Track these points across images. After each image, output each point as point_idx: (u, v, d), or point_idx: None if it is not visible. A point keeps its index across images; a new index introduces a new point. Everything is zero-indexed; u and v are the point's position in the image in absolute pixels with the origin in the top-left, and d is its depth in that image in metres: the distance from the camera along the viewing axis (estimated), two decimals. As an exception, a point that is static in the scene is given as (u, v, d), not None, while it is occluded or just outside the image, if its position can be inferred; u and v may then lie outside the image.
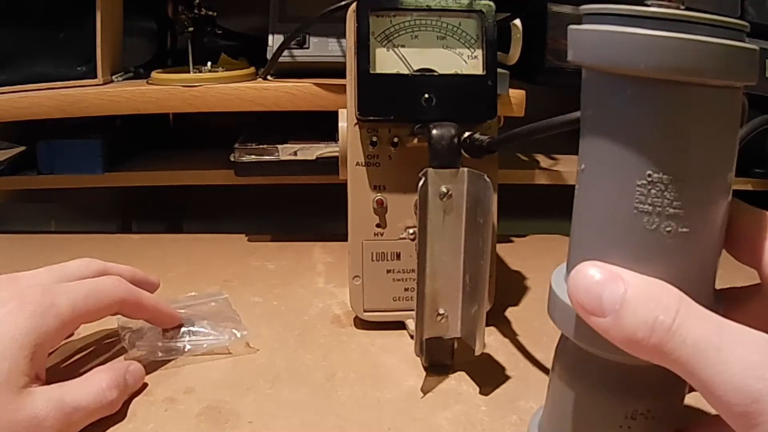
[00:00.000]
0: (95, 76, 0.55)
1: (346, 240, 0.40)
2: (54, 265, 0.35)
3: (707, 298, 0.23)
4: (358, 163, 0.39)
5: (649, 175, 0.21)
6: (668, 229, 0.21)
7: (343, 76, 0.39)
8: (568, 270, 0.24)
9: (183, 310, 0.40)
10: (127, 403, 0.33)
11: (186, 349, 0.38)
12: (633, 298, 0.21)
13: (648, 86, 0.20)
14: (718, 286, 0.24)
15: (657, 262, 0.22)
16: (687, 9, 0.20)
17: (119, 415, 0.32)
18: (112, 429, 0.31)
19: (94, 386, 0.31)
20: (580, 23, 0.22)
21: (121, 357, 0.37)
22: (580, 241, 0.24)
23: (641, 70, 0.20)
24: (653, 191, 0.21)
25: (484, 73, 0.39)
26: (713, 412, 0.20)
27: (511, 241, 0.59)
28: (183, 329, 0.39)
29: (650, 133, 0.21)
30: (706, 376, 0.19)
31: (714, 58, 0.19)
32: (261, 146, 0.56)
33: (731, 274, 0.25)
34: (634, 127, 0.21)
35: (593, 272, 0.22)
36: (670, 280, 0.21)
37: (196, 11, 0.57)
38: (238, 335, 0.39)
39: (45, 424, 0.28)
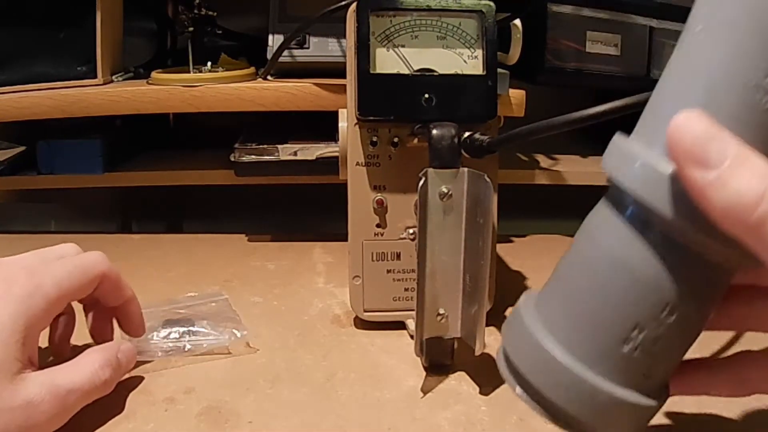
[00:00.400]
0: (95, 76, 0.55)
1: (346, 240, 0.40)
2: (40, 249, 0.35)
3: None
4: (358, 163, 0.39)
5: None
6: None
7: (343, 76, 0.39)
8: (642, 128, 0.22)
9: (183, 310, 0.40)
10: (127, 402, 0.33)
11: (186, 349, 0.38)
12: (743, 161, 0.19)
13: None
14: None
15: (760, 144, 0.20)
16: None
17: (119, 414, 0.32)
18: (112, 429, 0.31)
19: (87, 367, 0.31)
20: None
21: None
22: (678, 98, 0.22)
23: None
24: None
25: (484, 73, 0.39)
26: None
27: (511, 241, 0.59)
28: (183, 329, 0.39)
29: None
30: None
31: None
32: (261, 146, 0.56)
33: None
34: None
35: (703, 121, 0.19)
36: None
37: (196, 11, 0.57)
38: (238, 335, 0.39)
39: (40, 408, 0.28)
